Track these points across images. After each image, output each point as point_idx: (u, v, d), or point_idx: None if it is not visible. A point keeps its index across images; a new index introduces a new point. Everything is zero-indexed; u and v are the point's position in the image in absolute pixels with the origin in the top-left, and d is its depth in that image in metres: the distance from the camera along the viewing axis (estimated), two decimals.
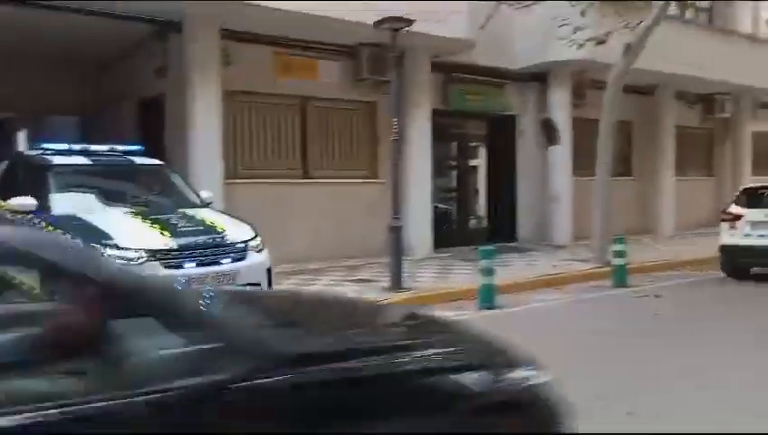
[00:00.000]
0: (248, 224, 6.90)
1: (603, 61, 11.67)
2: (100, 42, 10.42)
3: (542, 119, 13.63)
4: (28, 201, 6.22)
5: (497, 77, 13.24)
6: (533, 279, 9.31)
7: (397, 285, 8.15)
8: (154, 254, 5.74)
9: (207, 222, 6.61)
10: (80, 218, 6.09)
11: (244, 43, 9.93)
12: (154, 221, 6.29)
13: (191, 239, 6.08)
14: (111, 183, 7.32)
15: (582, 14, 10.62)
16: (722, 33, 16.00)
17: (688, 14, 15.88)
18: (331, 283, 8.98)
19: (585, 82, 13.86)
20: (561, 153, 13.48)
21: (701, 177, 17.87)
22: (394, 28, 8.27)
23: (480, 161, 14.71)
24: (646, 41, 10.56)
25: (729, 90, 16.48)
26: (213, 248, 6.12)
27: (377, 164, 11.69)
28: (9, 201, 6.32)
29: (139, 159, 7.70)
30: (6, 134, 21.64)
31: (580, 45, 10.80)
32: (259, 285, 6.30)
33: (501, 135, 13.88)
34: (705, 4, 16.66)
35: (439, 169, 12.86)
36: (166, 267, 5.74)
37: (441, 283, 8.96)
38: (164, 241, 5.93)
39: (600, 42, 10.59)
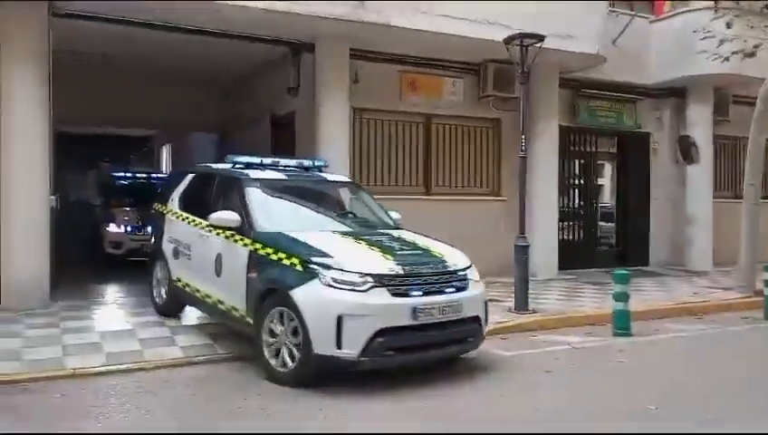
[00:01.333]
0: (459, 250, 6.13)
1: (750, 75, 10.84)
2: (236, 62, 11.08)
3: (680, 136, 12.80)
4: (232, 217, 5.90)
5: (630, 93, 12.64)
6: (670, 306, 8.67)
7: (522, 306, 7.89)
8: (380, 279, 5.10)
9: (421, 245, 5.97)
10: (292, 237, 5.56)
11: (371, 62, 10.15)
12: (371, 243, 5.68)
13: (415, 264, 5.40)
14: (309, 199, 6.83)
15: (728, 25, 9.86)
16: None
17: None
18: None
19: (729, 98, 12.89)
20: (701, 173, 12.57)
21: None
22: (525, 45, 8.09)
23: (606, 180, 14.05)
24: None
25: None
26: (438, 275, 5.43)
27: (500, 181, 11.49)
28: (211, 216, 6.07)
29: (330, 175, 7.30)
30: (152, 150, 23.49)
31: (726, 59, 10.07)
32: (479, 318, 5.66)
33: (633, 153, 13.18)
34: None
35: (564, 186, 12.40)
36: (393, 295, 5.11)
37: (568, 306, 8.57)
38: (388, 265, 5.24)
39: (749, 54, 9.79)
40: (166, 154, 21.60)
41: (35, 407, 4.64)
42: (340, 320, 4.90)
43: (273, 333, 5.31)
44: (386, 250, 5.53)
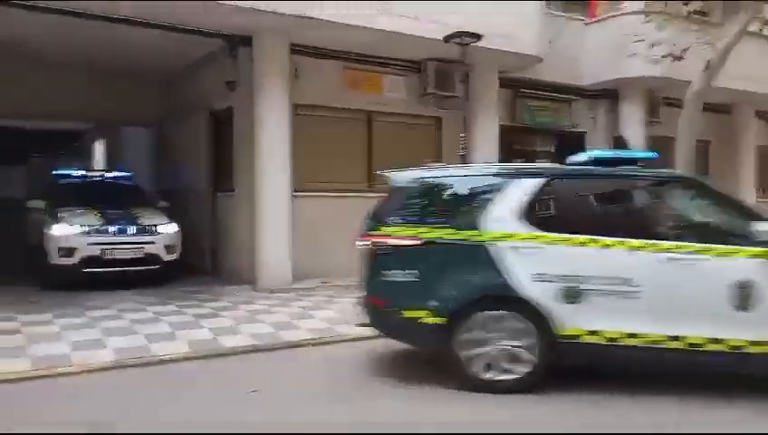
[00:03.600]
0: None
1: (679, 78, 11.27)
2: (172, 55, 10.77)
3: (614, 136, 13.22)
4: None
5: (566, 93, 12.97)
6: None
7: None
8: None
9: None
10: None
11: (312, 58, 10.05)
12: None
13: None
14: None
15: (659, 29, 10.24)
16: None
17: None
18: None
19: (659, 100, 13.39)
20: None
21: None
22: (464, 43, 8.18)
23: None
24: (726, 58, 10.09)
25: None
26: None
27: None
28: (758, 226, 4.74)
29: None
30: (84, 145, 22.58)
31: (656, 61, 10.45)
32: None
33: (570, 152, 13.47)
34: None
35: None
36: None
37: None
38: None
39: (678, 58, 10.19)
40: (99, 150, 20.85)
41: None
42: None
43: None
44: None
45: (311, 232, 9.93)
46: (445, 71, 10.71)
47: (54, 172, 11.30)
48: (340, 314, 7.55)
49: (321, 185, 10.37)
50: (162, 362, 5.71)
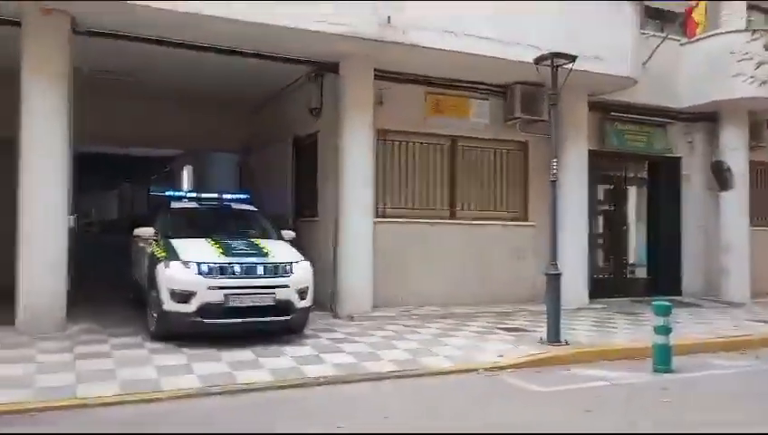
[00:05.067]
0: None
1: None
2: (260, 83, 10.93)
3: (714, 161, 12.40)
4: None
5: (660, 116, 12.30)
6: (711, 340, 8.22)
7: (554, 337, 7.49)
8: None
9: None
10: None
11: (396, 83, 9.95)
12: None
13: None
14: None
15: (767, 48, 9.53)
16: None
17: None
18: (481, 329, 8.49)
19: (763, 123, 12.50)
20: (736, 199, 12.13)
21: None
22: (556, 65, 7.81)
23: (634, 206, 13.59)
24: None
25: None
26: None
27: (527, 206, 11.16)
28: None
29: None
30: (172, 171, 23.51)
31: (763, 82, 9.72)
32: None
33: (664, 178, 12.78)
34: None
35: (593, 212, 12.03)
36: None
37: (602, 338, 8.14)
38: None
39: None
40: (187, 175, 21.61)
41: None
42: None
43: None
44: None
45: (391, 259, 9.73)
46: (532, 94, 10.38)
47: (166, 194, 9.58)
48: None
49: (402, 211, 10.19)
50: (246, 390, 5.59)
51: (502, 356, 6.92)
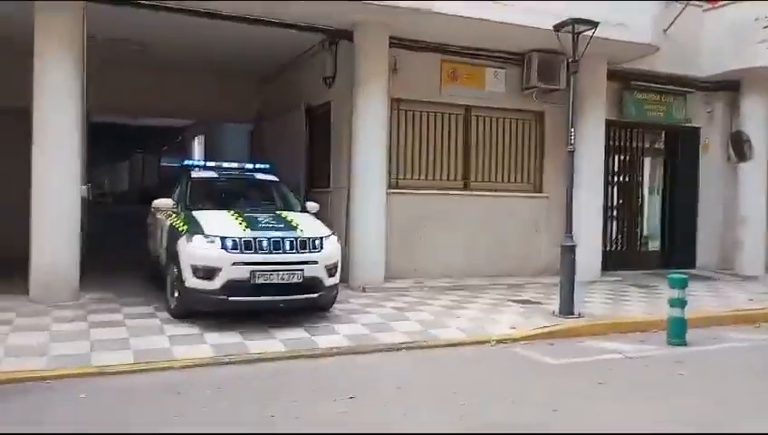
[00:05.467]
0: None
1: None
2: (273, 52, 10.78)
3: (733, 132, 12.14)
4: None
5: (680, 85, 12.03)
6: (726, 313, 8.14)
7: (568, 310, 7.45)
8: None
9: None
10: None
11: (411, 51, 9.77)
12: None
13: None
14: None
15: None
16: None
17: None
18: (493, 302, 8.45)
19: None
20: (755, 170, 11.90)
21: None
22: (577, 32, 7.61)
23: (648, 177, 13.38)
24: None
25: None
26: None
27: (542, 177, 11.02)
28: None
29: None
30: (184, 141, 23.45)
31: None
32: None
33: (681, 149, 12.56)
34: None
35: (607, 183, 11.86)
36: None
37: (616, 310, 8.09)
38: None
39: None
40: (198, 145, 21.55)
41: (59, 406, 4.41)
42: None
43: None
44: None
45: (404, 231, 9.68)
46: (549, 62, 10.16)
47: (186, 163, 8.93)
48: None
49: (415, 182, 10.10)
50: (258, 360, 5.61)
51: (514, 328, 6.90)
